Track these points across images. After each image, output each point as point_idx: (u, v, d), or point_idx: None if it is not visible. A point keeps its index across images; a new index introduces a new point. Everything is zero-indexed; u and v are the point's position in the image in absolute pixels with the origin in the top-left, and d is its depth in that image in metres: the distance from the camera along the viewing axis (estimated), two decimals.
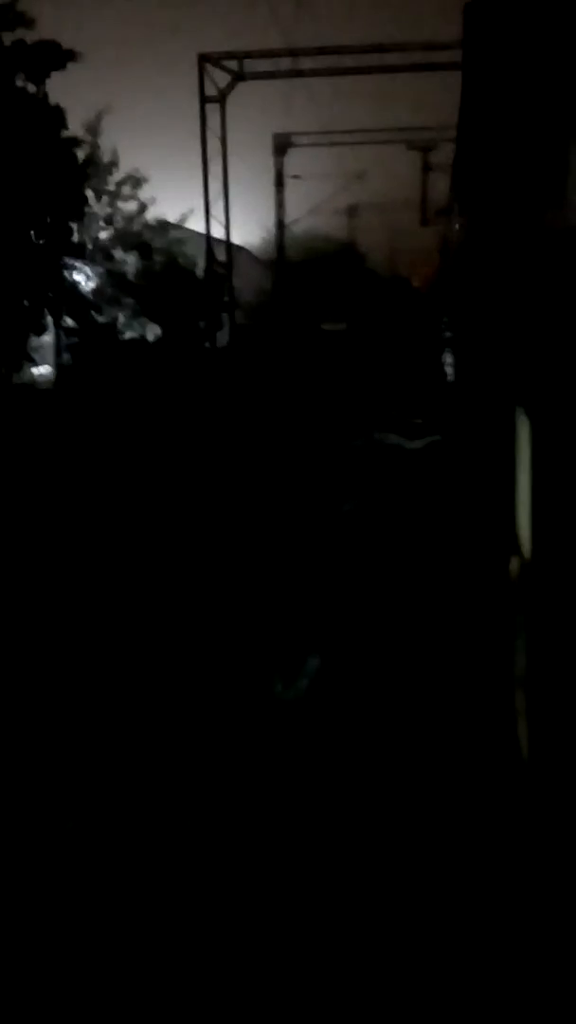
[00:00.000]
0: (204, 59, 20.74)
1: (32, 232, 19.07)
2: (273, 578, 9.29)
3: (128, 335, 26.34)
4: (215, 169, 22.68)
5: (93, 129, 22.82)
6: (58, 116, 16.15)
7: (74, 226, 22.49)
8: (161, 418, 18.25)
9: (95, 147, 23.35)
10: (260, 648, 7.44)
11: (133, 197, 25.31)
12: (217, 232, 25.02)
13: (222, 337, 27.93)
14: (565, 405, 4.43)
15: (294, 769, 5.55)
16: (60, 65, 15.46)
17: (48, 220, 17.23)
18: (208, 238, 24.04)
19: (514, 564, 5.80)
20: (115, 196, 25.21)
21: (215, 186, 22.77)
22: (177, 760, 5.71)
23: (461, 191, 12.93)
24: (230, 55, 20.92)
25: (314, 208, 31.54)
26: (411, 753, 5.66)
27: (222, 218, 24.04)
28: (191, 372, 24.07)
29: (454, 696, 6.35)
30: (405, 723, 6.03)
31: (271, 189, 29.30)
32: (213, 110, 21.69)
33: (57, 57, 15.25)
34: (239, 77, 21.08)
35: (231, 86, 21.27)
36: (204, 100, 21.30)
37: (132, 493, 12.78)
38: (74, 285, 24.21)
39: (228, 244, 25.10)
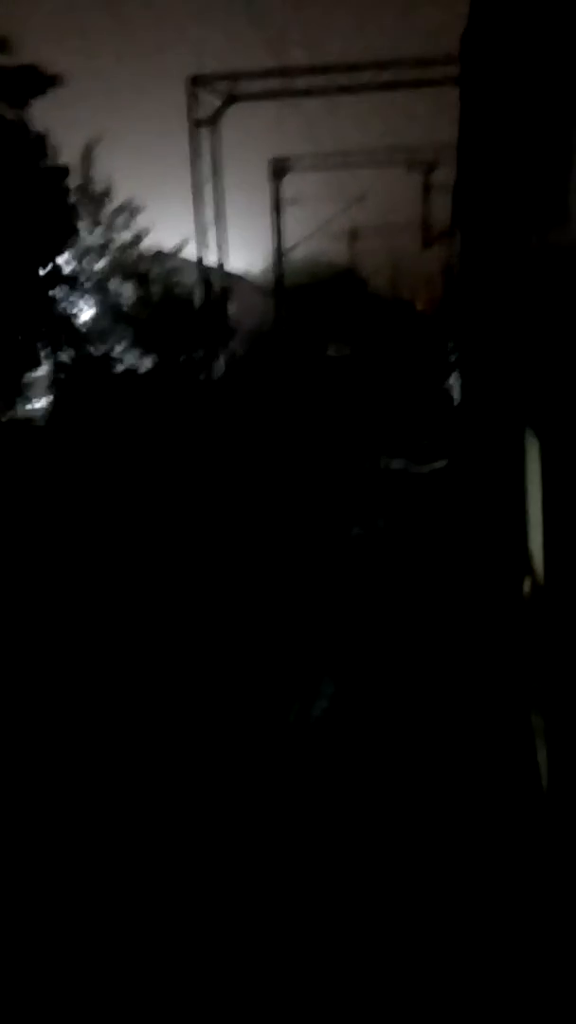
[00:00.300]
0: (195, 81, 20.18)
1: (21, 265, 18.45)
2: (286, 604, 9.24)
3: (126, 367, 25.99)
4: (210, 195, 21.93)
5: (86, 158, 22.61)
6: (39, 144, 15.47)
7: (65, 257, 22.18)
8: (159, 450, 17.96)
9: (87, 176, 23.14)
10: (277, 673, 7.37)
11: (128, 227, 24.92)
12: (214, 260, 24.27)
13: (220, 367, 27.29)
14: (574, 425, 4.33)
15: (312, 790, 5.51)
16: (40, 90, 14.81)
17: (34, 252, 16.43)
18: (200, 266, 23.37)
19: (527, 584, 5.68)
20: (109, 226, 24.63)
21: (210, 213, 22.02)
22: (197, 780, 5.73)
23: (463, 212, 12.80)
24: (221, 77, 20.30)
25: (313, 233, 30.94)
26: (427, 779, 5.51)
27: (229, 245, 23.34)
28: (187, 403, 23.41)
29: (470, 720, 6.17)
30: (421, 749, 5.89)
31: (269, 215, 28.65)
32: (207, 135, 21.05)
33: (38, 82, 14.61)
34: (231, 99, 20.48)
35: (223, 109, 20.68)
36: (195, 124, 20.68)
37: (138, 526, 12.64)
38: (68, 318, 23.84)
39: (223, 272, 24.42)
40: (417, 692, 6.88)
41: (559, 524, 4.49)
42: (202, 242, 22.94)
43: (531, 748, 5.43)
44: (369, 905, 4.35)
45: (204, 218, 22.38)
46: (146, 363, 26.43)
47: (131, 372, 24.78)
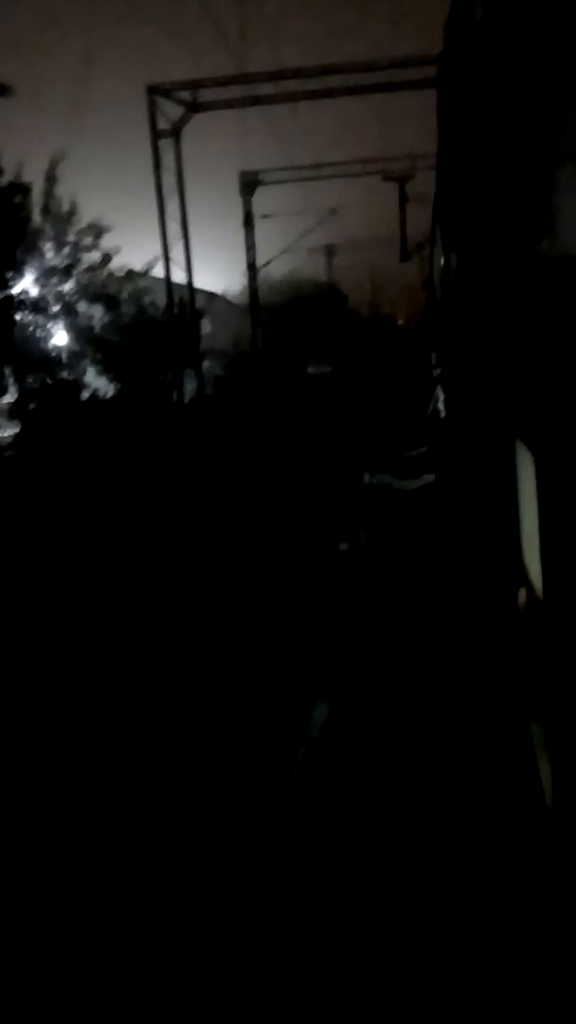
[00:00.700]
0: (154, 91, 19.22)
1: None
2: (273, 624, 9.11)
3: (96, 391, 25.24)
4: (176, 210, 21.00)
5: (50, 176, 21.96)
6: None
7: (30, 280, 21.36)
8: (132, 475, 17.31)
9: (51, 195, 22.40)
10: (269, 694, 7.27)
11: (95, 247, 24.20)
12: (182, 278, 23.43)
13: (194, 388, 26.53)
14: (569, 438, 4.35)
15: (310, 804, 5.50)
16: None
17: None
18: (172, 286, 22.45)
19: (522, 596, 5.80)
20: (76, 247, 23.89)
21: (178, 229, 21.10)
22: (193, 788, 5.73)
23: (444, 222, 12.60)
24: (183, 85, 19.39)
25: (288, 248, 30.12)
26: (426, 791, 5.50)
27: (195, 263, 22.47)
28: (160, 426, 22.60)
29: (468, 732, 6.17)
30: (420, 767, 5.82)
31: (241, 231, 27.80)
32: (169, 146, 20.08)
33: None
34: (193, 108, 19.55)
35: (185, 118, 19.74)
36: (156, 135, 19.70)
37: (112, 553, 12.22)
38: (36, 342, 23.04)
39: (196, 290, 23.51)
40: (414, 705, 6.76)
41: (556, 534, 4.50)
42: (168, 259, 21.95)
43: (531, 759, 5.38)
44: (367, 912, 4.41)
45: (169, 234, 21.40)
46: (118, 387, 25.81)
47: (101, 397, 23.87)
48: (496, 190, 6.60)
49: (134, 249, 26.51)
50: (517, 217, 5.78)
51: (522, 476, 5.45)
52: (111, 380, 25.45)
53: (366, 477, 18.91)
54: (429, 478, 17.46)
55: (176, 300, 25.21)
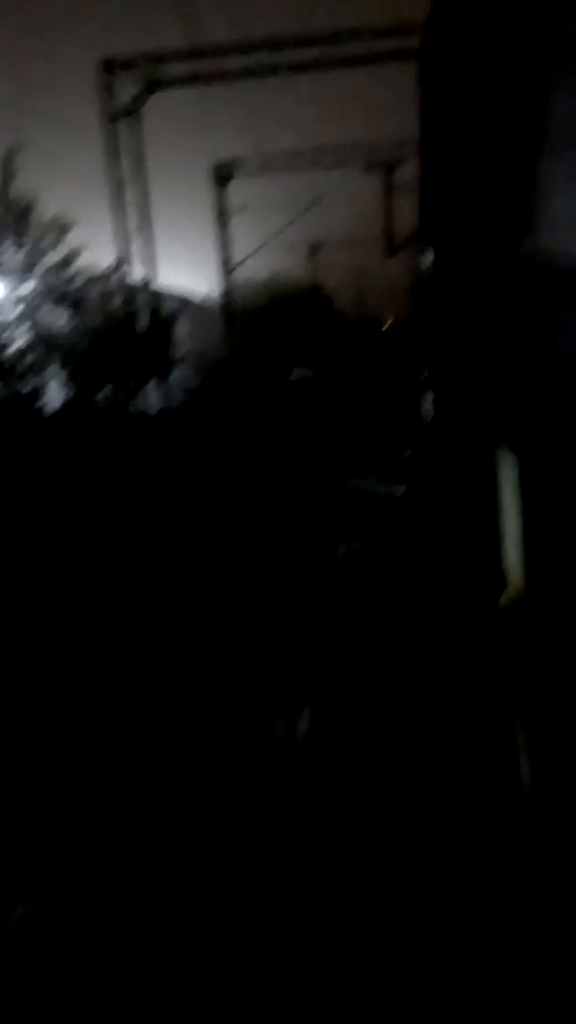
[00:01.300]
0: (110, 65, 17.26)
1: None
2: (262, 629, 9.32)
3: (62, 401, 23.63)
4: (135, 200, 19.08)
5: (6, 170, 20.37)
6: None
7: None
8: (102, 491, 16.34)
9: (5, 190, 20.84)
10: (259, 694, 7.51)
11: (57, 246, 22.63)
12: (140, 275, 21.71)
13: (168, 396, 24.99)
14: (551, 442, 4.45)
15: (297, 803, 5.71)
16: None
17: None
18: (128, 286, 20.78)
19: (505, 596, 5.90)
20: (35, 246, 22.27)
21: (135, 220, 19.18)
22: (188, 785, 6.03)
23: (431, 224, 12.40)
24: (140, 59, 17.43)
25: (265, 245, 28.22)
26: (411, 784, 5.64)
27: (160, 261, 20.68)
28: (132, 437, 21.22)
29: (455, 735, 6.17)
30: (405, 755, 6.00)
31: (213, 227, 25.89)
32: (126, 129, 18.12)
33: None
34: (153, 85, 17.59)
35: (143, 96, 17.75)
36: (110, 116, 17.76)
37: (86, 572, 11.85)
38: None
39: (168, 292, 21.73)
40: (401, 709, 6.88)
41: (537, 536, 4.69)
42: (126, 256, 20.11)
43: (516, 762, 5.48)
44: (358, 907, 4.61)
45: (127, 227, 19.49)
46: (67, 398, 24.38)
47: (65, 408, 22.33)
48: (484, 180, 6.24)
49: (103, 247, 25.20)
50: (505, 214, 5.58)
51: (504, 481, 5.54)
52: (75, 390, 23.84)
53: (351, 481, 18.65)
54: (413, 481, 17.41)
55: (145, 303, 23.77)
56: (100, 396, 22.49)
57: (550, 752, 4.56)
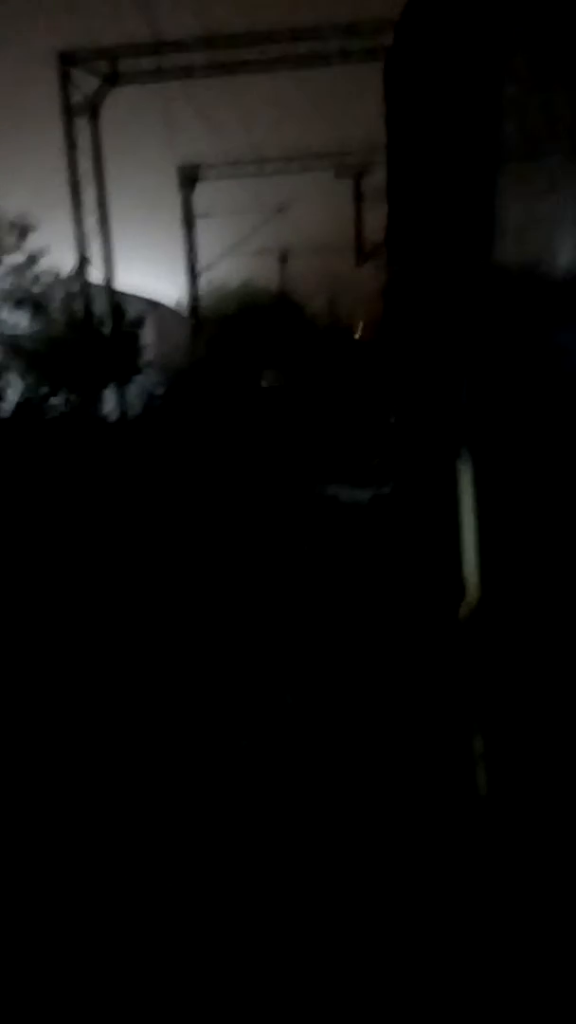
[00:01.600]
0: (67, 59, 16.75)
1: None
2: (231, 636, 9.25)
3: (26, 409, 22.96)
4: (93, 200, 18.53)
5: None
6: None
7: None
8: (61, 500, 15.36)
9: None
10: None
11: (19, 247, 22.14)
12: (130, 282, 21.22)
13: (135, 403, 24.51)
14: (504, 447, 4.53)
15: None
16: None
17: None
18: (86, 289, 20.29)
19: (463, 607, 6.08)
20: None
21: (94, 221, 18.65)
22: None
23: (392, 227, 12.30)
24: (100, 53, 16.93)
25: (232, 249, 27.74)
26: (372, 788, 5.74)
27: (126, 264, 20.10)
28: (92, 446, 20.64)
29: (413, 734, 6.29)
30: (368, 764, 6.06)
31: (180, 230, 25.40)
32: (85, 126, 17.58)
33: None
34: (113, 78, 17.09)
35: (103, 91, 17.25)
36: (69, 113, 17.22)
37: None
38: None
39: (110, 290, 21.21)
40: (361, 719, 6.89)
41: (490, 545, 4.78)
42: (86, 258, 19.56)
43: (472, 760, 5.56)
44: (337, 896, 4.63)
45: (84, 228, 18.94)
46: (52, 403, 23.79)
47: (12, 414, 21.71)
48: (445, 191, 6.21)
49: (65, 250, 24.71)
50: (465, 223, 5.54)
51: (463, 491, 5.72)
52: (24, 396, 23.26)
53: (320, 488, 18.54)
54: (381, 488, 17.25)
55: (110, 307, 23.20)
56: (56, 401, 21.76)
57: (507, 761, 4.69)
